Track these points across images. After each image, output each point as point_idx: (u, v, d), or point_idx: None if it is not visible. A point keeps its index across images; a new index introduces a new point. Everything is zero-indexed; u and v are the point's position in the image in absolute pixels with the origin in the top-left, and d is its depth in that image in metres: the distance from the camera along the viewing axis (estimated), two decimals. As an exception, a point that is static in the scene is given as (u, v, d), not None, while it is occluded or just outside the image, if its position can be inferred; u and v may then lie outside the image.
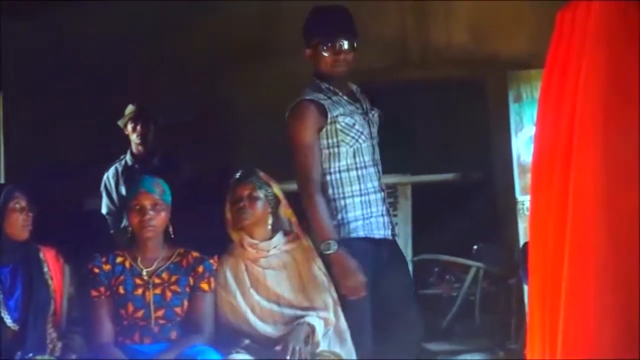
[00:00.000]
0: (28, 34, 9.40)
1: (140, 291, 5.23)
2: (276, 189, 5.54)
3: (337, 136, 5.20)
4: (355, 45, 5.26)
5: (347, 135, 5.21)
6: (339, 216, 5.21)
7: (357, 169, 5.25)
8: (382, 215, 5.39)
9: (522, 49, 8.68)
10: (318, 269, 5.39)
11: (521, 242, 7.33)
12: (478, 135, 9.63)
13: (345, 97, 5.28)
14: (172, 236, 5.39)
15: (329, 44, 5.15)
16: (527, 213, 4.53)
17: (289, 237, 5.50)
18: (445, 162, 9.32)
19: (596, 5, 3.25)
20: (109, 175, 7.76)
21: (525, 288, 5.57)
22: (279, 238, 5.45)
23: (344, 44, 5.15)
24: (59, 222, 5.92)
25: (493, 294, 9.06)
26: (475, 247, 9.30)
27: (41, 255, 5.00)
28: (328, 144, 5.22)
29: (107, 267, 5.18)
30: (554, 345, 3.31)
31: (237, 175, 5.50)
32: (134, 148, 7.74)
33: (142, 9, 9.25)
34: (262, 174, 5.52)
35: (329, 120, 5.17)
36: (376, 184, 5.36)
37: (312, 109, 5.19)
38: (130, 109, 7.71)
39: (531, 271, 3.60)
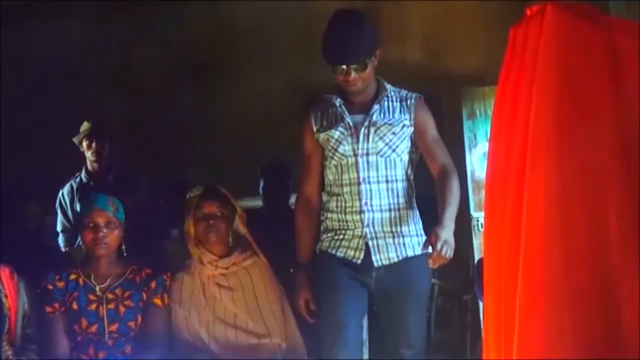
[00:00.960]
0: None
1: (93, 306, 5.24)
2: (237, 205, 5.56)
3: (324, 149, 5.05)
4: (367, 62, 4.90)
5: (326, 149, 5.03)
6: (320, 230, 5.09)
7: (338, 185, 4.97)
8: (361, 237, 4.89)
9: (476, 65, 8.74)
10: (271, 288, 5.46)
11: (476, 259, 7.35)
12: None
13: (344, 110, 5.02)
14: (125, 254, 5.38)
15: (337, 68, 4.90)
16: (482, 229, 4.52)
17: (246, 254, 5.47)
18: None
19: (548, 20, 3.26)
20: (64, 192, 7.71)
21: (480, 304, 5.58)
22: (237, 255, 5.43)
23: (351, 68, 4.85)
24: (14, 239, 5.86)
25: (448, 310, 9.06)
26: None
27: (-2, 277, 4.96)
28: (323, 157, 5.09)
29: (60, 284, 5.18)
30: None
31: (198, 191, 5.45)
32: (89, 165, 7.68)
33: (104, 22, 9.27)
34: (224, 190, 5.50)
35: (313, 132, 5.09)
36: (357, 203, 4.88)
37: (308, 119, 5.17)
38: (85, 125, 7.66)
39: (486, 287, 3.61)
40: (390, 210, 4.89)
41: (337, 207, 4.95)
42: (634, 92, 3.25)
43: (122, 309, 5.27)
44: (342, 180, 4.93)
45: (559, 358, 3.20)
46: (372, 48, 4.92)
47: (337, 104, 5.03)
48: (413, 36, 9.71)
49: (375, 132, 4.92)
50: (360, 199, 4.85)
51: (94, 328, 5.22)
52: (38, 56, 9.54)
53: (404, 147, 4.99)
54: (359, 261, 4.87)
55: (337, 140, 4.95)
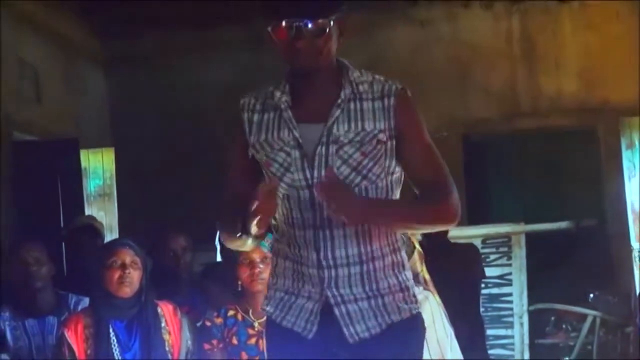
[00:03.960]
0: (137, 88, 9.55)
1: (253, 340, 5.12)
2: (416, 245, 5.37)
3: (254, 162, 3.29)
4: (328, 24, 3.07)
5: (265, 173, 3.24)
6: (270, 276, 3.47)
7: (288, 224, 3.23)
8: (302, 296, 3.26)
9: (633, 95, 8.54)
10: (440, 323, 5.29)
11: (638, 290, 7.18)
12: (591, 183, 9.55)
13: (291, 119, 3.16)
14: None
15: (281, 28, 3.07)
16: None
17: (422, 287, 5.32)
18: (558, 210, 9.19)
19: None
20: None
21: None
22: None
23: (303, 28, 3.04)
24: (172, 277, 5.90)
25: (610, 342, 8.95)
26: (591, 295, 9.20)
27: (159, 310, 4.99)
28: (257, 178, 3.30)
29: (218, 321, 5.13)
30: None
31: None
32: None
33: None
34: None
35: (247, 145, 3.26)
36: (314, 255, 3.18)
37: (240, 125, 3.28)
38: None
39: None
40: (361, 262, 3.17)
41: (290, 251, 3.26)
42: None
43: None
44: (292, 218, 3.20)
45: None
46: (337, 5, 3.12)
47: (282, 106, 3.17)
48: (569, 68, 9.59)
49: (337, 152, 3.11)
50: (317, 250, 3.16)
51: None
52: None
53: (380, 169, 3.15)
54: (312, 337, 3.21)
55: (280, 165, 3.18)
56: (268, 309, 3.30)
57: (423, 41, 9.65)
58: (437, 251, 5.93)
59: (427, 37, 9.68)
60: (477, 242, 7.56)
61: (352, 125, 3.13)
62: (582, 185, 9.65)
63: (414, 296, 3.29)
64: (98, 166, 8.67)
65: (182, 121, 8.96)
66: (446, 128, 9.43)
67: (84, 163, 8.29)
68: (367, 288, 3.16)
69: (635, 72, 8.68)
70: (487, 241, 7.98)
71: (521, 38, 9.67)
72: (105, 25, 9.40)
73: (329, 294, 3.13)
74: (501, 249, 8.09)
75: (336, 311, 3.14)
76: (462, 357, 5.17)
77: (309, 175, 3.11)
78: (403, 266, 3.27)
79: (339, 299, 3.14)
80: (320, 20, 3.04)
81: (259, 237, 3.16)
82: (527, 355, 8.06)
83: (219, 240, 3.40)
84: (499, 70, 9.66)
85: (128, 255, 4.95)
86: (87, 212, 8.13)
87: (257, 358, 5.14)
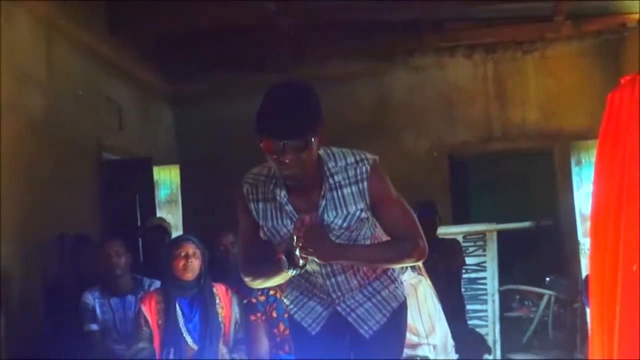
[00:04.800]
0: (196, 119, 9.56)
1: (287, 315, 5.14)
2: None
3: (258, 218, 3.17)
4: (309, 141, 2.88)
5: (267, 233, 3.16)
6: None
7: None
8: (312, 303, 3.32)
9: (582, 123, 8.54)
10: (431, 301, 5.25)
11: (583, 275, 7.14)
12: (548, 192, 9.54)
13: (292, 212, 3.07)
14: None
15: (271, 146, 2.89)
16: (587, 252, 4.38)
17: (415, 274, 5.26)
18: (523, 213, 9.16)
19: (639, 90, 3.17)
20: None
21: (587, 311, 5.39)
22: (408, 274, 5.25)
23: (288, 146, 2.85)
24: (224, 265, 5.89)
25: (562, 315, 8.95)
26: (547, 278, 9.22)
27: (214, 290, 5.00)
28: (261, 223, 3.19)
29: (262, 298, 5.12)
30: (610, 356, 3.23)
31: None
32: None
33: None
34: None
35: (254, 218, 3.17)
36: (324, 291, 3.25)
37: (240, 193, 3.19)
38: None
39: (591, 298, 3.52)
40: (360, 287, 3.24)
41: (299, 288, 3.32)
42: None
43: None
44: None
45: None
46: (316, 125, 2.92)
47: (283, 202, 3.07)
48: (531, 102, 9.58)
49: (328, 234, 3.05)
50: (327, 292, 3.23)
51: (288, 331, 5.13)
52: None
53: (365, 231, 3.15)
54: (315, 333, 3.29)
55: (279, 227, 3.13)
56: (286, 301, 3.34)
57: (418, 83, 9.63)
58: (428, 245, 5.92)
59: (421, 80, 9.66)
60: (459, 238, 7.53)
61: (338, 211, 3.06)
62: (541, 194, 9.65)
63: (402, 282, 3.38)
64: (166, 179, 8.67)
65: (229, 145, 8.94)
66: (436, 150, 9.49)
67: (155, 177, 8.29)
68: (365, 292, 3.23)
69: (582, 106, 8.67)
70: (467, 237, 7.95)
71: (494, 80, 9.65)
72: (171, 70, 9.44)
73: (339, 308, 3.21)
74: (478, 243, 8.05)
75: (350, 319, 3.20)
76: (447, 327, 5.15)
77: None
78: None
79: (347, 310, 3.21)
80: (303, 139, 2.87)
81: (302, 267, 3.02)
82: (497, 326, 8.01)
83: (246, 278, 3.29)
84: (477, 105, 9.63)
85: (190, 248, 4.97)
86: (158, 214, 8.13)
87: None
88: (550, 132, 9.39)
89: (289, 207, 3.07)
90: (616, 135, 3.25)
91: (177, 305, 4.92)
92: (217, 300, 5.00)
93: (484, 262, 8.04)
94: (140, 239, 7.47)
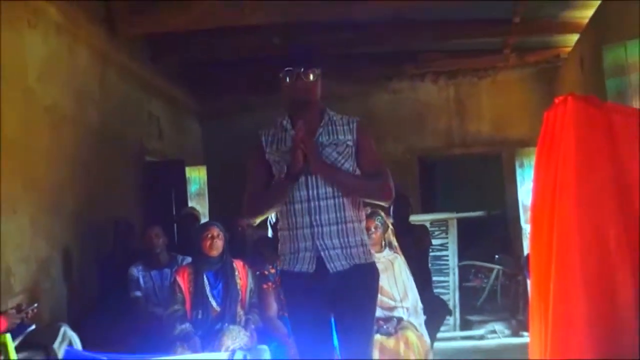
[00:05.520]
0: (219, 129, 9.56)
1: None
2: (389, 223, 5.29)
3: (270, 165, 3.31)
4: (317, 74, 3.28)
5: (274, 167, 3.27)
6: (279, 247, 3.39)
7: (289, 203, 3.23)
8: (307, 250, 3.23)
9: (524, 134, 8.52)
10: (405, 274, 5.22)
11: (525, 254, 7.15)
12: (497, 188, 9.54)
13: (291, 132, 3.25)
14: None
15: (290, 73, 3.25)
16: (528, 236, 4.40)
17: (392, 252, 5.29)
18: (477, 204, 9.16)
19: (569, 106, 3.19)
20: None
21: (528, 282, 5.40)
22: (386, 252, 5.24)
23: (302, 74, 3.24)
24: (241, 245, 5.91)
25: (508, 285, 8.95)
26: (496, 256, 9.22)
27: (234, 265, 5.00)
28: (271, 174, 3.33)
29: (272, 270, 5.09)
30: (546, 318, 3.23)
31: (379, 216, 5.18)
32: None
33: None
34: (383, 215, 5.19)
35: (265, 152, 3.33)
36: (307, 219, 3.22)
37: (260, 141, 3.35)
38: None
39: (531, 272, 3.51)
40: (337, 223, 3.20)
41: (288, 224, 3.25)
42: (625, 151, 3.17)
43: None
44: (292, 198, 3.21)
45: (576, 312, 3.10)
46: (318, 64, 3.30)
47: (288, 127, 3.30)
48: (484, 117, 9.59)
49: (321, 152, 3.21)
50: (310, 215, 3.19)
51: None
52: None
53: (348, 165, 3.24)
54: (313, 271, 3.22)
55: (286, 161, 3.24)
56: (283, 266, 3.28)
57: (396, 102, 9.64)
58: (402, 229, 5.91)
59: (398, 99, 9.67)
60: (427, 224, 7.51)
61: (331, 136, 3.26)
62: (492, 190, 9.64)
63: (370, 251, 3.34)
64: (196, 177, 8.69)
65: (245, 150, 8.94)
66: (409, 153, 9.49)
67: (187, 175, 8.30)
68: (340, 241, 3.20)
69: (524, 120, 8.68)
70: (433, 223, 7.94)
71: (455, 100, 9.66)
72: (200, 91, 9.44)
73: (318, 244, 3.18)
74: (441, 228, 8.05)
75: (322, 255, 3.17)
76: (417, 294, 5.15)
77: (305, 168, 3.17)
78: (362, 231, 3.31)
79: (324, 247, 3.17)
80: (311, 71, 3.23)
81: (298, 175, 3.17)
82: (457, 294, 8.02)
83: (249, 214, 3.37)
84: (442, 119, 9.64)
85: (215, 231, 4.97)
86: (190, 205, 8.14)
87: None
88: (499, 140, 9.40)
89: (291, 132, 3.23)
90: (551, 144, 3.26)
91: (204, 276, 4.92)
92: (236, 273, 5.00)
93: (447, 243, 8.04)
94: (175, 224, 7.48)
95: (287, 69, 3.23)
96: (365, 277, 3.28)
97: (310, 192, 3.20)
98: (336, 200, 3.21)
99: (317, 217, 3.19)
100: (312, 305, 3.21)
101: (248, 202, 3.34)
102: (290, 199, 3.20)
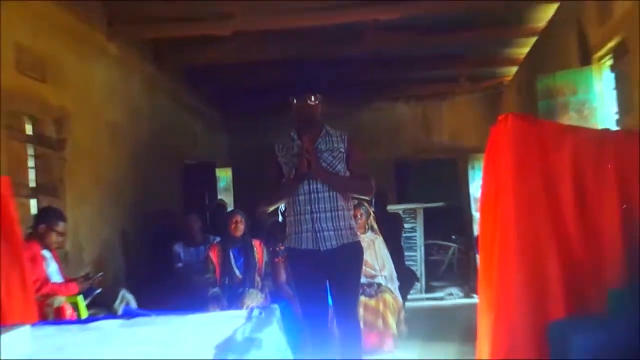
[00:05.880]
0: (241, 139, 9.54)
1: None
2: (371, 210, 5.29)
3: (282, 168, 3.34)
4: (318, 98, 3.34)
5: (284, 168, 3.30)
6: (286, 229, 3.37)
7: (294, 194, 3.26)
8: (309, 231, 3.24)
9: (475, 144, 8.49)
10: (384, 250, 5.19)
11: (475, 235, 7.17)
12: (454, 185, 9.51)
13: (298, 142, 3.29)
14: None
15: (301, 98, 3.31)
16: (477, 221, 4.41)
17: (374, 234, 5.24)
18: (438, 197, 9.14)
19: (510, 123, 3.18)
20: None
21: (477, 257, 5.41)
22: (369, 234, 5.21)
23: (308, 97, 3.31)
24: (265, 226, 5.88)
25: (462, 259, 8.95)
26: (453, 237, 9.21)
27: (253, 243, 5.00)
28: (282, 174, 3.35)
29: (282, 248, 5.08)
30: (490, 283, 3.24)
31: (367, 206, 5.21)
32: None
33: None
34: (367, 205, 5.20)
35: (277, 157, 3.34)
36: (308, 208, 3.23)
37: (274, 150, 3.35)
38: None
39: (480, 249, 3.51)
40: (331, 211, 3.22)
41: (293, 211, 3.25)
42: (554, 159, 3.17)
43: None
44: (297, 191, 3.24)
45: (513, 279, 3.13)
46: (321, 93, 3.35)
47: (294, 138, 3.31)
48: (445, 130, 9.59)
49: (320, 156, 3.24)
50: (310, 205, 3.22)
51: None
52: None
53: (340, 167, 3.27)
54: (312, 248, 3.24)
55: (294, 164, 3.26)
56: (289, 244, 3.30)
57: (377, 119, 9.57)
58: (381, 216, 5.92)
59: (379, 117, 9.61)
60: (400, 212, 7.53)
61: (327, 145, 3.29)
62: (449, 186, 9.61)
63: (356, 233, 3.36)
64: (224, 176, 8.69)
65: (261, 154, 8.93)
66: (387, 158, 9.44)
67: (217, 174, 8.31)
68: (333, 225, 3.23)
69: (475, 134, 8.65)
70: (405, 211, 7.95)
71: (422, 117, 9.64)
72: (226, 110, 9.42)
73: (316, 227, 3.21)
74: (411, 215, 8.06)
75: (318, 236, 3.21)
76: (392, 265, 5.17)
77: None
78: (350, 218, 3.33)
79: (320, 229, 3.21)
80: (314, 96, 3.28)
81: (303, 176, 3.22)
82: (423, 265, 8.03)
83: (266, 205, 3.42)
84: (411, 132, 9.61)
85: (239, 217, 4.98)
86: (219, 197, 8.15)
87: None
88: (455, 148, 9.34)
89: (297, 142, 3.28)
90: (495, 152, 3.25)
91: (230, 252, 4.92)
92: (255, 249, 5.00)
93: (415, 226, 8.05)
94: (207, 212, 7.47)
95: (297, 95, 3.28)
96: (352, 253, 3.31)
97: (311, 186, 3.22)
98: (330, 193, 3.23)
99: (316, 206, 3.21)
100: (312, 273, 3.24)
101: (265, 195, 3.37)
102: (296, 192, 3.23)
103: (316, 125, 3.32)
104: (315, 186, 3.22)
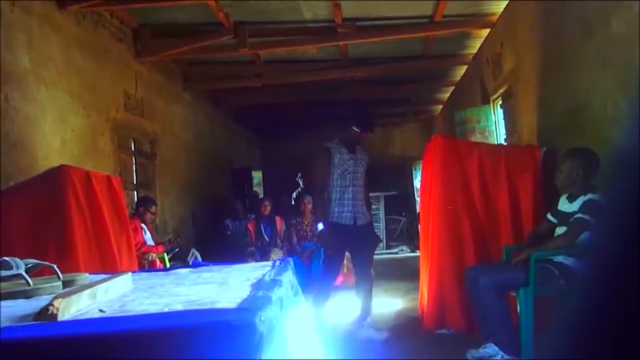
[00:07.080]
0: (271, 153, 9.43)
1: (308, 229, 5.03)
2: None
3: (334, 166, 3.11)
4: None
5: (338, 167, 3.09)
6: (330, 209, 3.10)
7: (339, 186, 3.09)
8: (350, 212, 3.10)
9: (418, 154, 8.38)
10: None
11: (417, 212, 7.15)
12: (403, 180, 9.44)
13: (346, 150, 3.13)
14: None
15: (367, 133, 3.17)
16: (419, 203, 4.38)
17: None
18: (393, 188, 9.09)
19: (438, 140, 3.16)
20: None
21: (418, 226, 5.37)
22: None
23: (368, 134, 3.18)
24: (283, 207, 5.85)
25: (409, 228, 8.87)
26: (402, 213, 9.14)
27: (276, 218, 4.97)
28: (333, 170, 3.11)
29: (293, 221, 5.08)
30: (427, 244, 3.20)
31: None
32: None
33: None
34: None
35: (332, 157, 3.11)
36: (350, 195, 3.10)
37: (325, 150, 3.14)
38: None
39: (420, 221, 3.48)
40: (361, 200, 3.13)
41: (339, 197, 3.09)
42: (467, 163, 3.10)
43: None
44: (345, 183, 3.10)
45: (441, 242, 3.06)
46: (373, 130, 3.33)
47: (345, 152, 3.12)
48: (397, 144, 9.52)
49: (356, 162, 3.13)
50: (352, 194, 3.10)
51: (307, 234, 5.02)
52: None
53: (363, 170, 3.18)
54: (351, 224, 3.09)
55: (347, 163, 3.08)
56: (333, 220, 3.08)
57: (378, 138, 9.52)
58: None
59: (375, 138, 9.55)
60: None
61: (361, 155, 3.18)
62: (401, 180, 9.55)
63: (371, 214, 3.32)
64: (258, 176, 8.62)
65: (284, 162, 8.87)
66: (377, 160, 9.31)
67: (253, 175, 8.24)
68: (362, 210, 3.15)
69: (417, 147, 8.55)
70: (372, 198, 7.90)
71: (384, 138, 9.47)
72: (260, 132, 9.34)
73: (355, 211, 3.11)
74: (377, 200, 8.02)
75: (356, 217, 3.11)
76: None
77: (353, 170, 3.12)
78: (369, 207, 3.26)
79: (358, 213, 3.12)
80: (369, 133, 3.17)
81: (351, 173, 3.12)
82: (384, 232, 8.01)
83: (315, 192, 3.30)
84: (378, 146, 9.45)
85: (267, 202, 4.97)
86: (254, 189, 8.08)
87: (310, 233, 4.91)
88: (404, 157, 9.23)
89: (347, 155, 3.13)
90: (429, 159, 3.24)
91: (261, 224, 4.91)
92: (277, 222, 4.99)
93: (378, 208, 8.02)
94: (246, 199, 7.40)
95: (365, 129, 3.14)
96: (371, 228, 3.27)
97: (352, 181, 3.12)
98: (359, 188, 3.14)
99: (354, 195, 3.13)
100: (345, 241, 3.12)
101: (318, 188, 3.15)
102: (343, 184, 3.11)
103: (358, 149, 3.20)
104: (354, 182, 3.12)
